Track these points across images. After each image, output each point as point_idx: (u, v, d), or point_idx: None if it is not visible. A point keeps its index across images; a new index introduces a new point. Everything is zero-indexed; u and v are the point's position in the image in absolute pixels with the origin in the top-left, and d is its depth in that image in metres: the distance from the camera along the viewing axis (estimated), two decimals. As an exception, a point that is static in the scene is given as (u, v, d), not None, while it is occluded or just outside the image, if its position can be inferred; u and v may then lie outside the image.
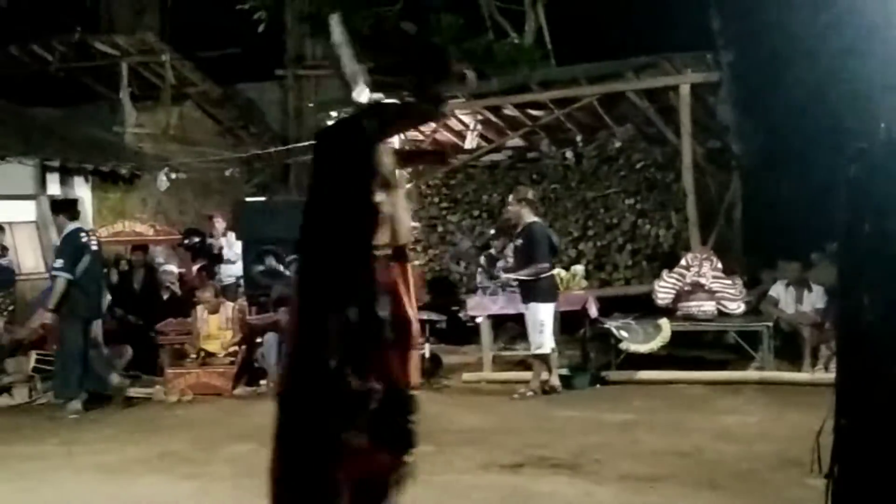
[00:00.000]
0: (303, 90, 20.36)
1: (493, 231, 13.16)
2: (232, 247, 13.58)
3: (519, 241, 9.90)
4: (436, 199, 14.19)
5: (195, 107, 19.40)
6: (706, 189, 12.59)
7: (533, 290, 9.61)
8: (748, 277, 11.25)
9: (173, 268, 12.70)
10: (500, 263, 11.65)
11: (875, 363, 2.25)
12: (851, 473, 2.30)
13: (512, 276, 9.84)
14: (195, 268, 13.46)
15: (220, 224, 13.77)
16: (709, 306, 10.53)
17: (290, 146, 18.07)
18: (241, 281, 12.54)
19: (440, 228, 14.12)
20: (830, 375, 8.79)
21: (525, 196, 9.95)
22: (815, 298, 10.22)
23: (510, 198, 10.22)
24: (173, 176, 16.91)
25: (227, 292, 11.68)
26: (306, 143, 16.62)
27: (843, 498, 2.30)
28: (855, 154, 2.32)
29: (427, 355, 10.91)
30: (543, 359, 9.62)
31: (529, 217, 9.84)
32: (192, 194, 17.38)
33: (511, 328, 11.70)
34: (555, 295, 9.78)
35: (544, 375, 9.68)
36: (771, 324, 10.10)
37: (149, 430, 8.71)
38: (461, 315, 12.75)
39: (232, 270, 13.30)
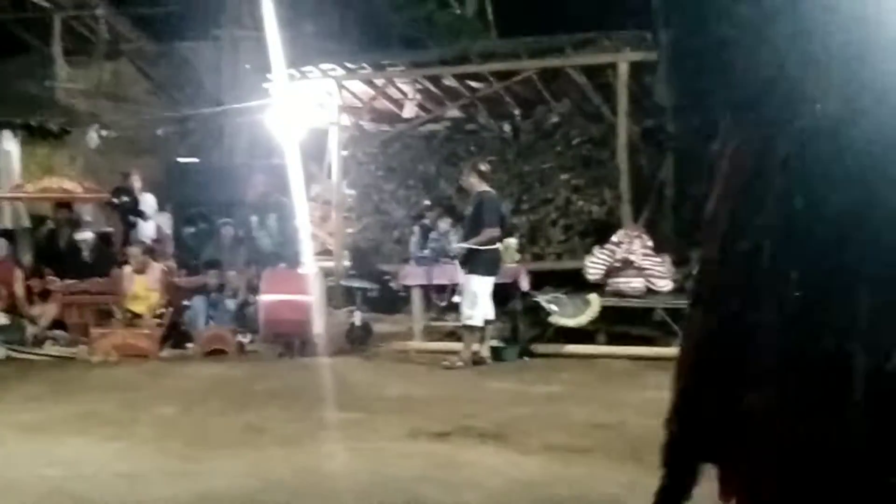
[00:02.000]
0: (239, 52, 20.03)
1: (427, 202, 13.17)
2: (147, 206, 13.38)
3: (469, 210, 9.94)
4: (371, 167, 14.11)
5: (129, 64, 19.03)
6: (640, 167, 12.73)
7: (473, 262, 9.63)
8: (677, 256, 11.40)
9: (89, 234, 12.43)
10: (434, 234, 11.67)
11: (802, 339, 2.30)
12: (767, 447, 2.35)
13: (465, 244, 9.77)
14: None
15: (136, 182, 13.52)
16: (638, 283, 10.65)
17: (224, 107, 17.80)
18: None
19: (375, 197, 14.06)
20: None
21: (477, 166, 10.01)
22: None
23: (465, 168, 10.27)
24: (104, 133, 16.61)
25: (154, 253, 11.55)
26: (241, 105, 16.43)
27: (765, 471, 2.36)
28: (787, 132, 2.36)
29: (358, 323, 10.92)
30: (473, 330, 9.66)
31: (480, 186, 9.86)
32: (123, 153, 17.06)
33: (441, 298, 11.73)
34: (494, 269, 9.78)
35: (475, 346, 9.73)
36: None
37: (72, 391, 8.57)
38: (393, 284, 12.77)
39: (146, 229, 13.11)
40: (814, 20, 2.35)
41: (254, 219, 13.13)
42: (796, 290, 2.26)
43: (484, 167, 10.12)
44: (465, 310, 9.62)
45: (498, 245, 9.82)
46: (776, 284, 2.32)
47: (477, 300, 9.54)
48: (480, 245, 9.56)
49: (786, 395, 2.30)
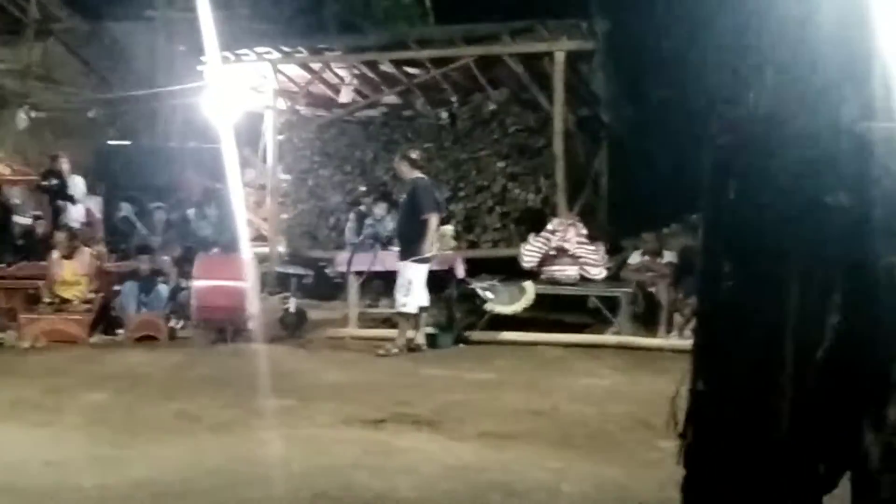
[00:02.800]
0: (173, 33, 19.70)
1: (363, 188, 13.12)
2: (76, 189, 13.14)
3: (402, 197, 9.93)
4: (307, 153, 14.02)
5: (60, 44, 18.64)
6: (575, 156, 12.82)
7: (409, 249, 9.63)
8: (611, 244, 11.53)
9: (27, 220, 12.21)
10: (369, 220, 11.64)
11: (732, 329, 2.34)
12: (705, 435, 2.38)
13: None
14: None
15: (65, 164, 13.27)
16: (572, 271, 10.75)
17: (157, 90, 17.52)
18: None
19: (311, 182, 13.97)
20: (684, 342, 9.21)
21: (407, 154, 10.01)
22: (665, 260, 10.62)
23: (396, 156, 10.24)
24: (33, 114, 16.27)
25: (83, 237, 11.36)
26: (175, 88, 16.20)
27: (695, 458, 2.39)
28: (723, 123, 2.39)
29: (292, 310, 10.85)
30: (408, 317, 9.66)
31: (413, 174, 9.85)
32: (53, 135, 16.73)
33: (377, 286, 11.71)
34: (429, 256, 9.78)
35: (410, 333, 9.73)
36: (630, 290, 10.39)
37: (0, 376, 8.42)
38: (328, 270, 12.71)
39: (75, 213, 12.89)
40: (752, 12, 2.37)
41: (191, 211, 12.99)
42: (728, 280, 2.30)
43: (415, 155, 10.10)
44: (400, 297, 9.62)
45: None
46: (714, 273, 2.36)
47: (411, 287, 9.54)
48: (426, 236, 9.56)
49: (723, 381, 2.34)
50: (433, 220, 9.67)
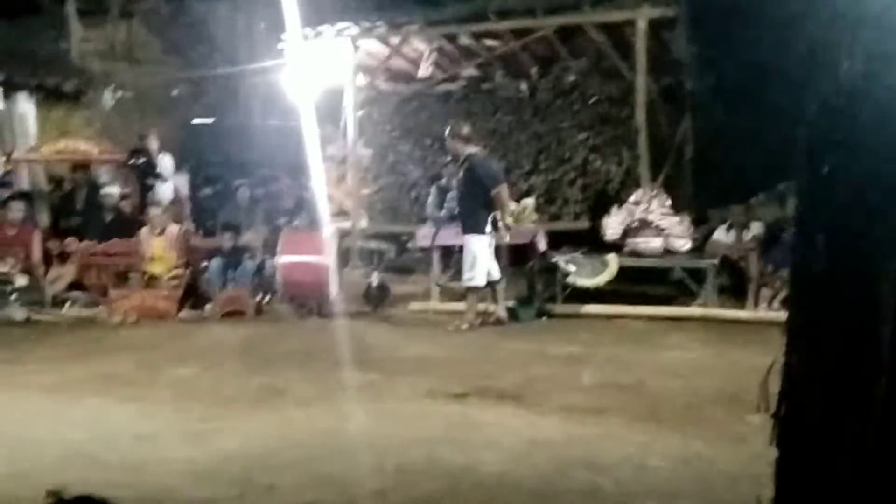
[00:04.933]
0: (254, 11, 19.88)
1: (444, 162, 13.10)
2: (164, 167, 13.36)
3: (461, 174, 9.80)
4: (387, 128, 14.05)
5: (143, 24, 18.94)
6: (658, 126, 12.60)
7: (468, 222, 9.59)
8: (695, 215, 11.32)
9: (114, 189, 12.46)
10: (451, 194, 11.60)
11: (827, 304, 2.26)
12: (799, 414, 2.31)
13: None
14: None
15: (154, 143, 13.49)
16: (656, 243, 10.59)
17: (239, 68, 17.72)
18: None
19: (391, 157, 14.00)
20: (772, 314, 9.03)
21: (458, 130, 9.83)
22: (752, 233, 10.41)
23: (446, 133, 10.09)
24: (119, 94, 16.57)
25: (172, 214, 11.56)
26: (256, 66, 16.34)
27: (789, 437, 2.32)
28: (817, 94, 2.30)
29: (375, 284, 10.91)
30: (476, 290, 9.62)
31: (468, 149, 9.76)
32: (138, 114, 17.03)
33: (458, 259, 11.70)
34: (490, 228, 9.72)
35: (481, 307, 9.70)
36: (716, 262, 10.21)
37: (91, 352, 8.63)
38: (410, 244, 12.75)
39: (163, 191, 13.11)
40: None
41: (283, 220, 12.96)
42: (822, 255, 2.22)
43: (466, 129, 9.90)
44: (466, 271, 9.58)
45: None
46: (808, 247, 2.28)
47: (476, 260, 9.50)
48: (491, 209, 9.52)
49: (817, 358, 2.26)
50: (503, 191, 9.62)
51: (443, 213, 11.12)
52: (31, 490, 4.29)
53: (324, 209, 11.70)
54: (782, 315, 2.58)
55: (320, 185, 12.18)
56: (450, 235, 10.47)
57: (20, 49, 16.14)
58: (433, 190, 12.32)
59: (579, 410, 6.29)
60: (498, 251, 9.94)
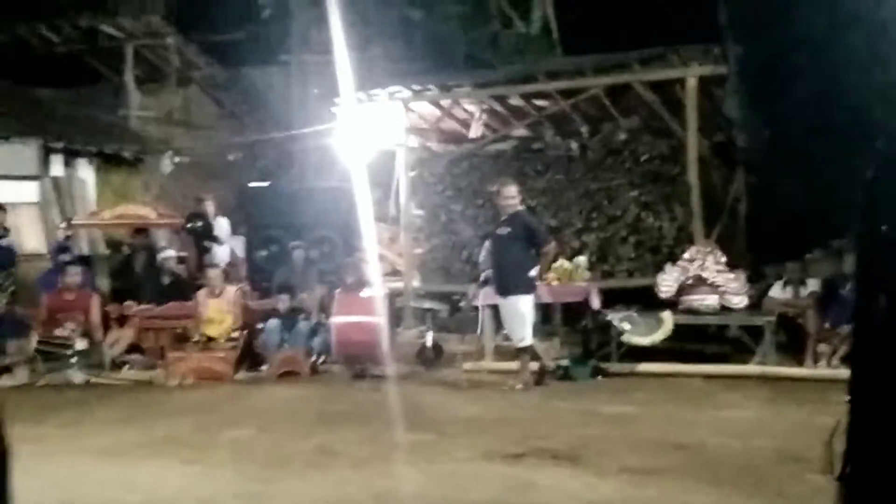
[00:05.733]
0: (307, 76, 20.29)
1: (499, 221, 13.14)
2: (221, 230, 13.54)
3: (507, 230, 9.72)
4: (439, 188, 14.16)
5: (199, 90, 19.38)
6: (711, 183, 12.57)
7: (516, 282, 9.57)
8: (751, 272, 11.22)
9: (172, 252, 12.67)
10: (483, 254, 11.52)
11: (891, 362, 2.24)
12: (865, 475, 2.28)
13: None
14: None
15: (210, 206, 13.70)
16: (711, 300, 10.49)
17: (293, 132, 18.03)
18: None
19: (443, 217, 14.09)
20: (831, 372, 8.88)
21: (506, 190, 9.76)
22: (809, 289, 10.28)
23: (495, 189, 10.10)
24: (176, 159, 16.91)
25: (228, 276, 11.70)
26: (309, 129, 16.61)
27: (855, 499, 2.29)
28: (876, 151, 2.30)
29: (429, 344, 10.92)
30: (528, 350, 9.57)
31: (515, 207, 9.76)
32: (195, 178, 17.36)
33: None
34: (535, 286, 9.73)
35: (533, 365, 9.65)
36: (773, 318, 10.07)
37: (149, 414, 8.71)
38: (463, 304, 12.75)
39: (220, 253, 13.27)
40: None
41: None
42: (884, 314, 2.20)
43: (513, 188, 9.88)
44: (517, 331, 9.53)
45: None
46: (869, 306, 2.27)
47: (526, 320, 9.47)
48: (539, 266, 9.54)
49: (881, 420, 2.24)
50: (552, 247, 9.63)
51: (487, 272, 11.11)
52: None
53: (377, 269, 11.78)
54: (841, 372, 2.56)
55: (373, 246, 12.26)
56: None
57: (80, 116, 16.61)
58: (485, 249, 12.33)
59: (637, 471, 6.20)
60: (551, 309, 9.92)
